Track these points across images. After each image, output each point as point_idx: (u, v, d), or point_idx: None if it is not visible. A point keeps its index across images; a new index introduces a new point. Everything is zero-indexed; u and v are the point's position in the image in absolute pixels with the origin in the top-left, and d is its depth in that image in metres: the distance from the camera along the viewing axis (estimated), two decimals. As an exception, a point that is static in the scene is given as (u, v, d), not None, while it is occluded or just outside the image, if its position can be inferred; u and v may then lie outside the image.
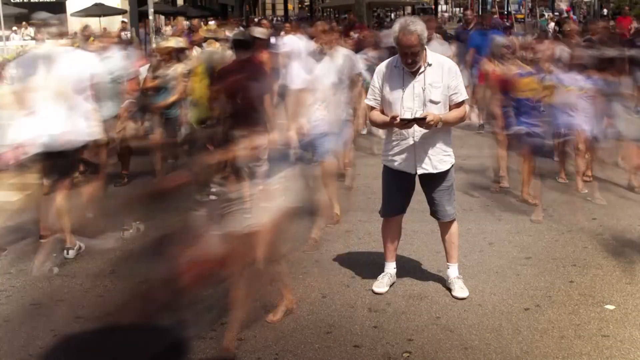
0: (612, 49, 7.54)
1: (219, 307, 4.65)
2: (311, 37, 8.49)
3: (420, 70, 4.45)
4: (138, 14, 23.65)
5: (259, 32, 7.18)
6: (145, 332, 4.37)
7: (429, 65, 4.47)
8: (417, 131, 4.49)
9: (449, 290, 4.77)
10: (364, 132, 10.19)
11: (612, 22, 13.91)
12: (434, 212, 4.78)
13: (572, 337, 4.11)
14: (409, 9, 41.64)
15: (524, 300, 4.64)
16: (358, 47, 9.82)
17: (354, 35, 12.59)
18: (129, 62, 7.68)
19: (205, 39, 9.77)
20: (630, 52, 8.19)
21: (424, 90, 4.45)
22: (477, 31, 11.53)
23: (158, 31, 18.21)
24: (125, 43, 9.95)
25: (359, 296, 4.76)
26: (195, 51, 9.31)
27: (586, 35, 9.80)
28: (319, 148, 5.93)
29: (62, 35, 5.78)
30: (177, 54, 7.57)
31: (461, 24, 11.68)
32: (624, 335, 4.12)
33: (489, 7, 47.08)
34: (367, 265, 5.21)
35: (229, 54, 6.08)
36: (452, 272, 4.83)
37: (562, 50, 8.22)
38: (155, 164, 7.41)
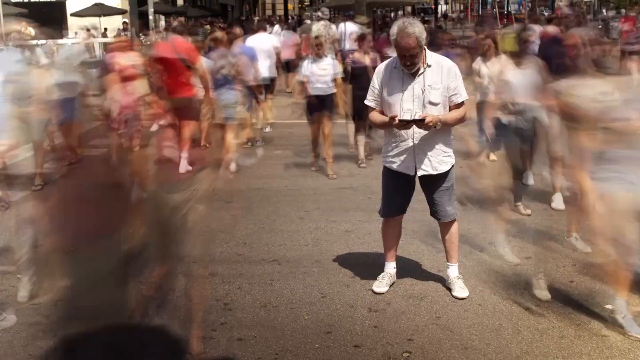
0: None
1: (219, 307, 4.67)
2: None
3: (420, 72, 4.45)
4: (138, 14, 23.68)
5: None
6: (145, 332, 4.37)
7: (429, 66, 4.46)
8: (416, 132, 4.48)
9: (449, 290, 4.77)
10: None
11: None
12: (434, 213, 4.78)
13: (572, 337, 4.12)
14: (409, 9, 41.54)
15: (524, 300, 4.64)
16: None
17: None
18: None
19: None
20: None
21: (423, 92, 4.44)
22: None
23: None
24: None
25: (359, 296, 4.76)
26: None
27: None
28: None
29: None
30: None
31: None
32: (624, 335, 4.12)
33: (489, 7, 47.05)
34: (367, 265, 5.21)
35: None
36: (452, 272, 4.83)
37: None
38: None
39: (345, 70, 8.92)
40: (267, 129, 11.17)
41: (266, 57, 11.15)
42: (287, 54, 14.57)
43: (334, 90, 8.33)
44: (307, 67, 8.30)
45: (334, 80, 8.30)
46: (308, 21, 22.60)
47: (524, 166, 6.36)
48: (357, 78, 8.40)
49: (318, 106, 8.25)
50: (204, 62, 8.74)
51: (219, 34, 9.85)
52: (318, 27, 14.50)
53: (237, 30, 10.88)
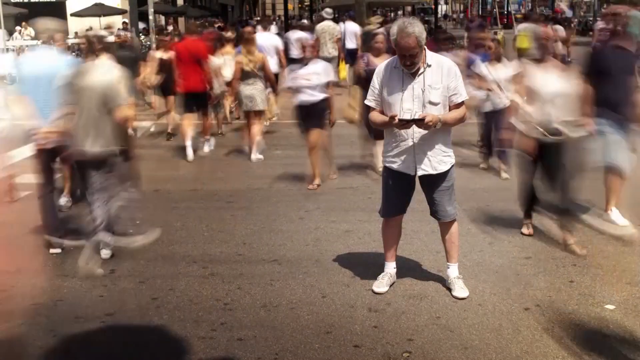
0: None
1: (219, 307, 4.67)
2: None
3: (420, 72, 4.45)
4: (138, 14, 23.70)
5: None
6: (145, 332, 4.37)
7: (429, 66, 4.46)
8: (416, 132, 4.48)
9: (449, 290, 4.77)
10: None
11: None
12: (435, 213, 4.77)
13: (572, 337, 4.12)
14: (409, 9, 41.52)
15: (524, 300, 4.64)
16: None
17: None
18: None
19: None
20: None
21: (423, 92, 4.44)
22: None
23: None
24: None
25: (359, 296, 4.76)
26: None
27: None
28: None
29: None
30: None
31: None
32: (624, 336, 4.12)
33: (489, 7, 47.06)
34: (367, 265, 5.20)
35: None
36: (452, 272, 4.83)
37: None
38: None
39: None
40: (266, 123, 11.34)
41: (272, 54, 11.89)
42: (293, 53, 14.92)
43: (326, 96, 7.53)
44: (295, 73, 7.58)
45: (328, 85, 7.55)
46: (305, 21, 22.84)
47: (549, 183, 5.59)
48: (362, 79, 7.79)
49: (306, 115, 7.59)
50: (213, 61, 9.52)
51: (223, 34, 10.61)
52: (322, 27, 14.73)
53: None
